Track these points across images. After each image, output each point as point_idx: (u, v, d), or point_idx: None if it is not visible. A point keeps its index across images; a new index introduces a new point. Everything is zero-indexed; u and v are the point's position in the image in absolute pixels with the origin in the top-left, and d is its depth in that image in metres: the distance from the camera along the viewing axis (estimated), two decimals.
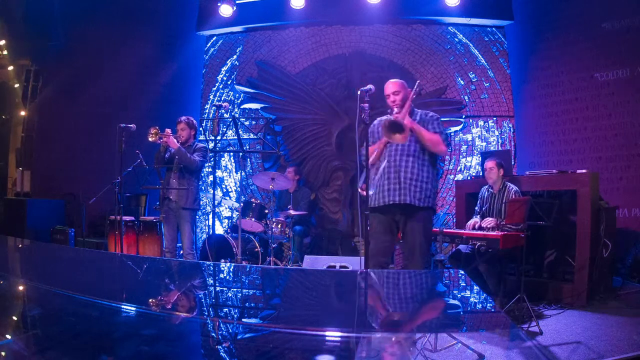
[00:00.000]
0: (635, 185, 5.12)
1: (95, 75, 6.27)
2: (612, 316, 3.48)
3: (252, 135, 6.50)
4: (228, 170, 6.80)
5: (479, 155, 5.89)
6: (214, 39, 7.03)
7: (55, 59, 6.22)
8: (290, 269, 4.28)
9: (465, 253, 3.90)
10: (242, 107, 6.79)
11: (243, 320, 1.29)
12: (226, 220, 6.47)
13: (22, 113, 6.52)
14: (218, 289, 1.69)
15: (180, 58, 6.83)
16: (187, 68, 6.92)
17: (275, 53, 6.75)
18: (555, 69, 5.84)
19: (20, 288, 1.44)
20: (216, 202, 5.97)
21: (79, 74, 6.17)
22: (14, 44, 6.58)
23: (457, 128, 6.20)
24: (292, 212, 5.09)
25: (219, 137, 4.53)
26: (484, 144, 6.18)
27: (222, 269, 2.36)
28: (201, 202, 4.64)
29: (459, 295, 1.57)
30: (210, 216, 5.41)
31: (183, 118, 4.38)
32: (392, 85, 3.22)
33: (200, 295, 1.57)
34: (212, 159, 4.83)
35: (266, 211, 5.17)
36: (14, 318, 1.21)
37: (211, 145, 4.67)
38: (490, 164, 4.07)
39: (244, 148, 5.03)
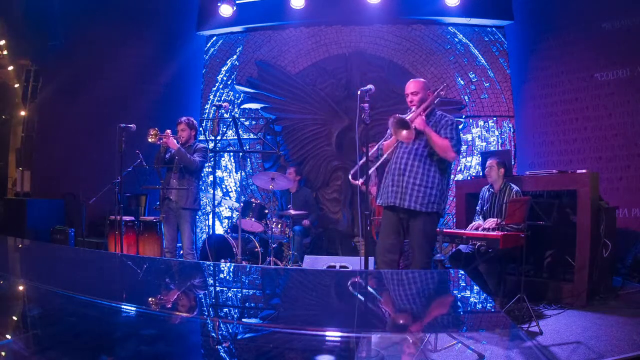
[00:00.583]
0: (635, 185, 5.12)
1: (95, 75, 6.26)
2: (612, 316, 3.48)
3: (252, 135, 6.50)
4: (228, 170, 6.80)
5: (479, 155, 5.88)
6: (214, 39, 7.03)
7: (55, 59, 6.21)
8: (290, 269, 4.28)
9: (466, 253, 3.90)
10: (242, 107, 6.79)
11: (243, 320, 1.29)
12: (226, 220, 6.46)
13: (22, 113, 6.52)
14: (218, 289, 1.69)
15: (180, 58, 6.83)
16: (187, 68, 6.92)
17: (275, 53, 6.75)
18: (555, 69, 5.84)
19: (20, 288, 1.44)
20: (216, 202, 5.97)
21: (79, 74, 6.16)
22: (14, 44, 6.58)
23: None
24: (292, 212, 5.09)
25: (219, 137, 4.53)
26: (484, 144, 6.18)
27: (222, 269, 2.36)
28: (201, 202, 4.64)
29: (459, 295, 1.57)
30: (210, 216, 5.41)
31: (183, 119, 4.38)
32: (412, 85, 3.23)
33: (200, 295, 1.57)
34: (212, 159, 4.83)
35: (266, 211, 5.17)
36: (14, 318, 1.21)
37: (211, 145, 4.67)
38: (491, 162, 4.07)
39: (244, 148, 5.03)
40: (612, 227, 4.11)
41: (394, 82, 6.15)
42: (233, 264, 4.00)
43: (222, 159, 6.76)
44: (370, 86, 3.04)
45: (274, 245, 4.96)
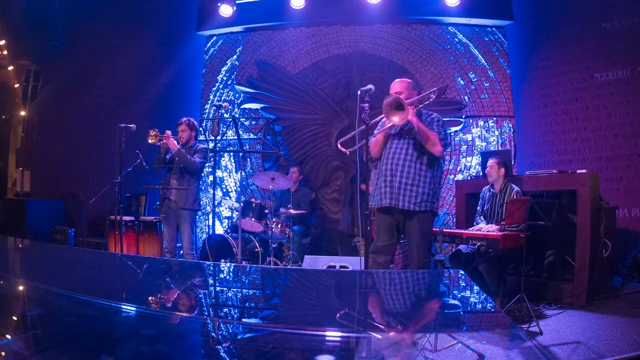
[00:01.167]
0: (635, 185, 5.12)
1: (95, 75, 6.26)
2: (612, 316, 3.48)
3: (252, 135, 6.51)
4: (228, 170, 6.80)
5: (479, 155, 5.89)
6: (214, 39, 7.03)
7: (55, 59, 6.21)
8: (290, 269, 4.28)
9: (466, 253, 3.90)
10: (242, 107, 6.79)
11: (243, 320, 1.29)
12: (226, 220, 6.46)
13: (22, 113, 6.52)
14: (218, 289, 1.69)
15: (180, 58, 6.83)
16: (187, 68, 6.92)
17: (275, 53, 6.75)
18: (555, 69, 5.84)
19: (20, 288, 1.44)
20: (216, 202, 5.97)
21: (79, 74, 6.16)
22: (14, 44, 6.58)
23: (457, 128, 6.20)
24: (292, 211, 5.09)
25: (219, 137, 4.53)
26: (484, 144, 6.18)
27: (222, 269, 2.36)
28: (201, 203, 4.64)
29: (459, 295, 1.57)
30: (210, 216, 5.41)
31: (184, 119, 4.38)
32: (396, 85, 3.25)
33: (200, 295, 1.57)
34: (212, 159, 4.83)
35: (266, 211, 5.17)
36: (14, 318, 1.21)
37: (211, 145, 4.67)
38: (492, 161, 4.07)
39: (244, 148, 5.04)
40: (612, 227, 4.10)
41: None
42: (233, 264, 3.99)
43: (222, 159, 6.76)
44: (370, 86, 3.04)
45: (274, 245, 4.96)
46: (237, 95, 6.82)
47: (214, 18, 6.67)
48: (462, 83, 6.26)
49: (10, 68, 6.77)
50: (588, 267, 3.82)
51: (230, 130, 5.29)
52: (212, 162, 4.98)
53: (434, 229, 3.60)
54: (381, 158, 3.21)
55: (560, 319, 3.50)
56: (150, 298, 1.44)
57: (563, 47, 5.76)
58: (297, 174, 5.82)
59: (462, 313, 1.33)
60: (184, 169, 4.17)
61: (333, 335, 1.05)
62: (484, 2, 6.10)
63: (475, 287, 1.55)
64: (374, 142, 3.20)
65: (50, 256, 2.31)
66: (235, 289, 1.71)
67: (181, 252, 4.43)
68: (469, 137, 6.21)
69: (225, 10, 6.44)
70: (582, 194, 3.91)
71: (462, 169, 6.18)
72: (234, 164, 6.78)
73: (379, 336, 1.08)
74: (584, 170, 4.00)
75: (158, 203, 4.44)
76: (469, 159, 6.19)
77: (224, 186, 6.76)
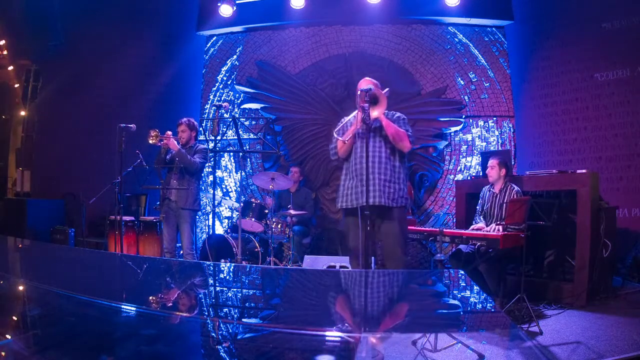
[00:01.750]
0: (635, 185, 5.12)
1: (95, 75, 6.27)
2: (612, 316, 3.48)
3: (252, 135, 6.51)
4: (228, 170, 6.80)
5: (479, 155, 5.89)
6: (214, 39, 7.03)
7: (55, 59, 6.21)
8: (290, 269, 4.27)
9: (466, 253, 3.90)
10: (242, 107, 6.79)
11: (243, 320, 1.29)
12: (226, 220, 6.46)
13: (22, 113, 6.51)
14: (218, 289, 1.69)
15: (180, 58, 6.84)
16: (187, 68, 6.92)
17: (275, 53, 6.75)
18: (555, 69, 5.84)
19: (20, 288, 1.44)
20: (216, 202, 5.97)
21: (79, 74, 6.16)
22: (14, 44, 6.58)
23: (457, 128, 6.20)
24: (292, 212, 5.09)
25: (219, 137, 4.53)
26: (484, 144, 6.18)
27: (222, 269, 2.36)
28: (201, 203, 4.64)
29: (459, 295, 1.57)
30: (210, 216, 5.41)
31: (184, 120, 4.38)
32: (365, 83, 3.21)
33: (200, 295, 1.57)
34: (212, 159, 4.83)
35: (266, 211, 5.17)
36: (14, 318, 1.21)
37: (211, 145, 4.67)
38: (493, 161, 4.07)
39: (244, 148, 5.03)
40: (612, 227, 4.11)
41: (394, 82, 6.15)
42: (233, 264, 3.99)
43: (222, 159, 6.76)
44: (370, 86, 3.04)
45: (274, 245, 4.96)
46: (237, 95, 6.82)
47: (214, 18, 6.68)
48: (462, 83, 6.26)
49: (10, 68, 6.77)
50: (588, 267, 3.82)
51: (230, 130, 5.29)
52: (212, 162, 4.98)
53: (433, 229, 3.59)
54: (351, 158, 3.18)
55: (560, 319, 3.50)
56: (150, 298, 1.44)
57: (563, 47, 5.76)
58: (297, 174, 5.82)
59: (462, 313, 1.33)
60: (184, 169, 4.18)
61: (333, 335, 1.05)
62: (484, 2, 6.10)
63: (475, 287, 1.55)
64: (341, 143, 3.17)
65: (50, 256, 2.31)
66: (235, 289, 1.71)
67: (181, 252, 4.43)
68: (469, 137, 6.21)
69: (225, 10, 6.44)
70: (582, 194, 3.91)
71: (462, 169, 6.18)
72: (234, 164, 6.78)
73: (379, 336, 1.08)
74: (584, 170, 4.00)
75: (158, 203, 4.44)
76: (469, 159, 6.19)
77: (224, 186, 6.76)
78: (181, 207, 4.20)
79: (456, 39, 6.35)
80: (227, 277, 1.94)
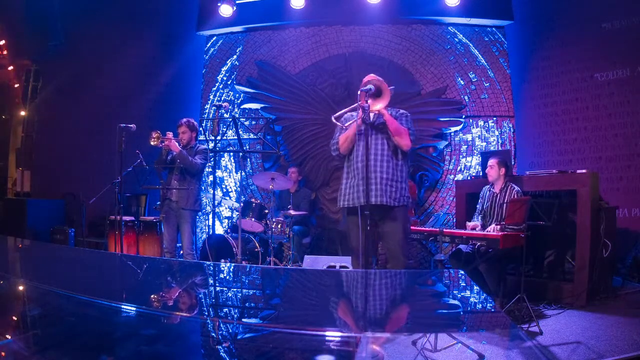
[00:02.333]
0: (635, 185, 5.12)
1: (95, 75, 6.27)
2: (612, 316, 3.48)
3: (252, 135, 6.51)
4: (228, 170, 6.80)
5: (479, 155, 5.89)
6: (214, 39, 7.03)
7: (55, 59, 6.21)
8: (290, 269, 4.28)
9: (466, 253, 3.90)
10: (242, 107, 6.79)
11: (243, 320, 1.29)
12: (226, 220, 6.46)
13: (22, 113, 6.52)
14: (218, 289, 1.69)
15: (180, 58, 6.84)
16: (187, 68, 6.92)
17: (275, 53, 6.75)
18: (555, 69, 5.84)
19: (20, 288, 1.44)
20: (216, 202, 5.97)
21: (79, 74, 6.16)
22: (14, 44, 6.58)
23: (457, 128, 6.20)
24: (292, 212, 5.09)
25: (219, 137, 4.53)
26: (484, 144, 6.18)
27: (222, 269, 2.36)
28: (202, 204, 4.64)
29: (459, 295, 1.57)
30: (210, 216, 5.41)
31: (184, 121, 4.37)
32: (369, 79, 3.18)
33: (200, 295, 1.57)
34: (212, 159, 4.83)
35: (266, 211, 5.17)
36: (14, 318, 1.21)
37: (211, 145, 4.67)
38: (492, 161, 4.07)
39: (244, 148, 5.03)
40: (612, 227, 4.10)
41: (394, 82, 6.14)
42: (233, 264, 3.99)
43: (222, 159, 6.76)
44: (370, 86, 3.03)
45: (274, 245, 4.96)
46: (237, 95, 6.82)
47: (214, 18, 6.68)
48: (462, 83, 6.26)
49: (10, 68, 6.77)
50: (588, 267, 3.82)
51: (230, 130, 5.29)
52: (212, 162, 4.98)
53: (433, 229, 3.59)
54: (352, 156, 3.13)
55: (560, 319, 3.50)
56: (150, 298, 1.44)
57: (563, 47, 5.76)
58: (296, 174, 5.82)
59: (462, 313, 1.33)
60: (184, 170, 4.18)
61: (333, 335, 1.05)
62: (484, 2, 6.10)
63: (475, 287, 1.55)
64: (344, 138, 3.11)
65: (50, 256, 2.31)
66: (235, 289, 1.71)
67: (181, 252, 4.43)
68: (469, 137, 6.21)
69: (225, 10, 6.44)
70: (582, 194, 3.91)
71: (462, 169, 6.18)
72: (234, 164, 6.78)
73: (379, 336, 1.08)
74: (584, 170, 4.00)
75: (158, 203, 4.44)
76: (469, 159, 6.19)
77: (224, 186, 6.76)
78: (182, 207, 4.20)
79: (456, 39, 6.35)
80: (227, 277, 1.94)
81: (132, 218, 5.41)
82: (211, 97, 6.93)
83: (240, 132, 5.02)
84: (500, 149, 6.05)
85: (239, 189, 6.63)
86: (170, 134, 4.18)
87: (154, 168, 4.29)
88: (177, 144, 4.16)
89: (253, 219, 5.03)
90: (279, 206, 5.70)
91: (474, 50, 6.29)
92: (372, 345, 0.99)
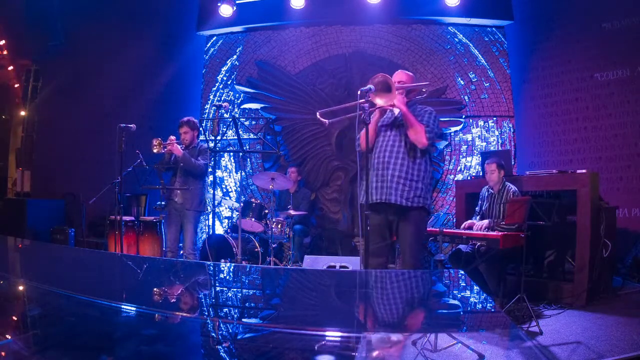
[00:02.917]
0: (635, 185, 5.12)
1: (95, 75, 6.27)
2: (612, 316, 3.48)
3: (252, 135, 6.51)
4: (228, 170, 6.80)
5: (479, 155, 5.89)
6: (214, 39, 7.03)
7: (55, 59, 6.22)
8: (290, 269, 4.28)
9: (465, 253, 3.90)
10: (242, 107, 6.80)
11: (243, 320, 1.29)
12: (226, 220, 6.46)
13: (22, 113, 6.52)
14: (218, 289, 1.69)
15: (180, 58, 6.84)
16: (187, 68, 6.92)
17: (275, 53, 6.75)
18: (555, 69, 5.84)
19: (20, 288, 1.44)
20: (216, 202, 5.97)
21: (79, 74, 6.17)
22: (14, 44, 6.58)
23: (457, 128, 6.20)
24: (292, 212, 5.09)
25: (219, 137, 4.52)
26: (484, 144, 6.18)
27: (222, 269, 2.36)
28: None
29: (459, 295, 1.57)
30: (210, 216, 5.41)
31: (184, 120, 4.35)
32: (400, 75, 3.13)
33: (200, 295, 1.57)
34: (212, 159, 4.83)
35: (266, 211, 5.17)
36: (14, 318, 1.21)
37: (211, 145, 4.67)
38: (491, 166, 4.07)
39: (244, 148, 5.03)
40: (612, 227, 4.11)
41: None
42: (233, 264, 3.99)
43: (222, 159, 6.76)
44: (370, 86, 3.01)
45: (274, 245, 4.96)
46: (237, 95, 6.83)
47: (214, 18, 6.68)
48: (462, 83, 6.26)
49: (10, 68, 6.77)
50: (588, 267, 3.82)
51: (230, 130, 5.28)
52: (212, 162, 4.98)
53: (433, 229, 3.58)
54: (373, 152, 3.04)
55: (560, 319, 3.50)
56: (150, 298, 1.44)
57: (563, 47, 5.76)
58: (295, 174, 5.82)
59: (462, 313, 1.33)
60: (188, 171, 4.18)
61: (333, 335, 1.05)
62: (484, 2, 6.11)
63: (475, 287, 1.55)
64: (363, 134, 3.02)
65: (50, 256, 2.31)
66: (235, 289, 1.71)
67: (181, 252, 4.43)
68: (469, 137, 6.22)
69: (225, 10, 6.44)
70: (582, 194, 3.91)
71: (462, 169, 6.18)
72: (234, 164, 6.78)
73: (379, 336, 1.08)
74: (584, 170, 4.00)
75: (158, 203, 4.43)
76: (469, 159, 6.19)
77: (224, 186, 6.76)
78: (186, 208, 4.20)
79: (456, 39, 6.35)
80: (227, 277, 1.94)
81: (132, 218, 5.41)
82: (211, 97, 6.93)
83: (240, 132, 5.01)
84: (500, 149, 6.05)
85: (239, 189, 6.63)
86: (172, 138, 4.16)
87: (154, 168, 4.28)
88: (179, 147, 4.15)
89: (253, 219, 5.03)
90: (279, 206, 5.70)
91: (474, 50, 6.29)
92: (372, 345, 0.99)
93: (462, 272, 1.80)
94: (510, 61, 6.22)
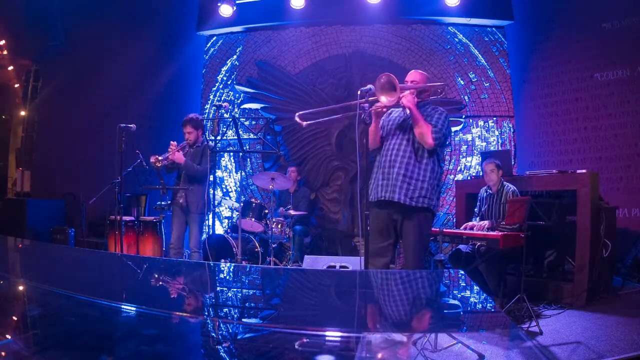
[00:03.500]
0: (635, 185, 5.12)
1: (95, 75, 6.27)
2: (612, 316, 3.48)
3: (252, 135, 6.51)
4: (228, 170, 6.80)
5: (479, 155, 5.89)
6: (214, 39, 7.03)
7: (55, 59, 6.21)
8: (290, 269, 4.27)
9: (465, 253, 3.90)
10: (242, 107, 6.80)
11: (243, 320, 1.29)
12: (226, 220, 6.46)
13: (22, 113, 6.52)
14: (218, 289, 1.69)
15: (180, 58, 6.84)
16: (187, 68, 6.92)
17: (275, 53, 6.75)
18: (555, 69, 5.84)
19: (20, 288, 1.44)
20: (216, 202, 5.97)
21: (79, 74, 6.17)
22: (14, 44, 6.58)
23: (457, 128, 6.20)
24: (292, 212, 5.09)
25: (219, 137, 4.52)
26: (484, 144, 6.18)
27: (222, 269, 2.36)
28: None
29: (459, 295, 1.57)
30: (210, 216, 5.41)
31: (187, 119, 4.30)
32: (413, 74, 3.11)
33: (200, 295, 1.57)
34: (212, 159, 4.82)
35: (266, 211, 5.17)
36: (14, 318, 1.21)
37: (211, 144, 4.67)
38: (490, 166, 4.07)
39: (244, 148, 5.03)
40: (612, 227, 4.11)
41: None
42: (233, 264, 3.99)
43: (222, 159, 6.76)
44: (370, 86, 3.00)
45: (274, 245, 4.96)
46: (237, 95, 6.83)
47: (214, 18, 6.68)
48: (462, 83, 6.26)
49: (10, 68, 6.77)
50: (588, 267, 3.82)
51: (230, 130, 5.28)
52: (212, 163, 4.97)
53: (433, 229, 3.58)
54: (382, 150, 3.04)
55: (560, 319, 3.50)
56: (150, 298, 1.44)
57: (563, 47, 5.76)
58: (295, 173, 5.82)
59: (462, 313, 1.33)
60: (191, 176, 4.16)
61: (333, 335, 1.05)
62: (484, 2, 6.11)
63: (475, 287, 1.55)
64: (370, 132, 2.98)
65: (50, 256, 2.31)
66: (235, 289, 1.71)
67: (185, 250, 4.42)
68: (469, 137, 6.22)
69: (225, 10, 6.44)
70: (582, 194, 3.91)
71: (462, 169, 6.18)
72: (234, 164, 6.78)
73: (379, 336, 1.08)
74: (584, 170, 4.00)
75: (159, 203, 4.43)
76: (469, 159, 6.19)
77: (224, 186, 6.76)
78: (191, 211, 4.20)
79: (456, 39, 6.35)
80: (227, 277, 1.94)
81: (132, 218, 5.41)
82: (211, 97, 6.93)
83: (240, 132, 5.01)
84: (500, 149, 6.05)
85: (239, 189, 6.63)
86: (173, 144, 4.11)
87: (153, 168, 4.27)
88: (181, 154, 4.11)
89: (253, 219, 5.03)
90: (279, 206, 5.70)
91: (474, 50, 6.29)
92: (372, 345, 0.99)
93: (462, 272, 1.80)
94: (510, 61, 6.23)
